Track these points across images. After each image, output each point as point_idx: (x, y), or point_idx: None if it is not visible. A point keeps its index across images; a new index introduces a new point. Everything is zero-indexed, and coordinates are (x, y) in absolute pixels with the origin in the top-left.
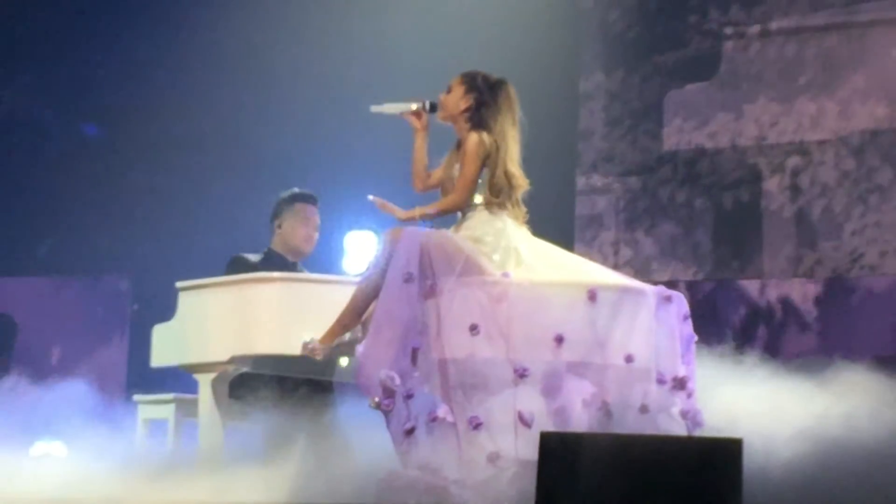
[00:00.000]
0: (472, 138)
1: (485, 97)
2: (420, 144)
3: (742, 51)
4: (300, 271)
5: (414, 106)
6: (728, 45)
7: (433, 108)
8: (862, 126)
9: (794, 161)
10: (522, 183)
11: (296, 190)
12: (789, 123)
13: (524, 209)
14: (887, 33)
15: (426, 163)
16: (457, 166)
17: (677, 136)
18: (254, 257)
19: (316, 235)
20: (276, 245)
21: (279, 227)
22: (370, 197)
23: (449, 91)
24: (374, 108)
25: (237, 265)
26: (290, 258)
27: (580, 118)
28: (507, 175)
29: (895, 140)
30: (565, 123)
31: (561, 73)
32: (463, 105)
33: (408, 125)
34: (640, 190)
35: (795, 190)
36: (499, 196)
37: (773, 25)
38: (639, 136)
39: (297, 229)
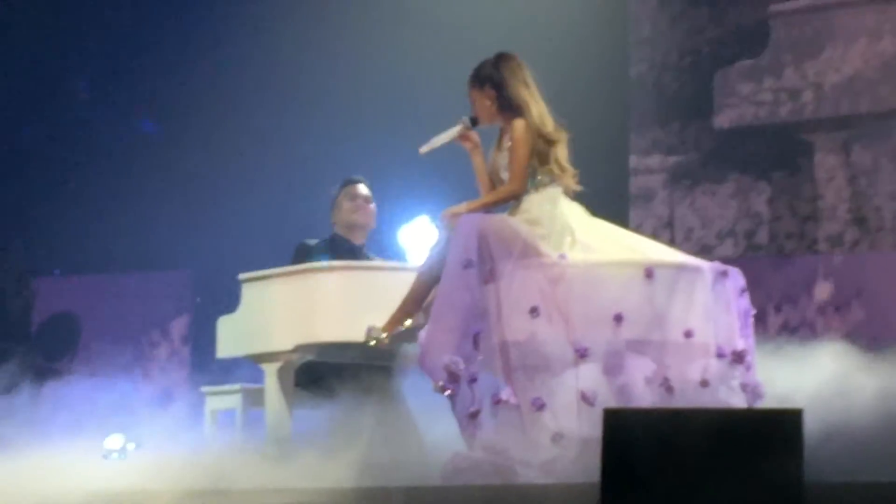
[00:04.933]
0: (517, 125)
1: (496, 79)
2: (479, 162)
3: (790, 26)
4: (367, 255)
5: (457, 129)
6: (776, 21)
7: (474, 122)
8: None
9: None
10: (560, 136)
11: (346, 178)
12: (843, 97)
13: (572, 171)
14: None
15: (489, 177)
16: (500, 157)
17: (728, 112)
18: (319, 241)
19: (367, 205)
20: (339, 230)
21: (334, 215)
22: (421, 149)
23: (472, 101)
24: (424, 149)
25: (303, 251)
26: (354, 240)
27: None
28: (543, 135)
29: None
30: (615, 103)
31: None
32: (488, 102)
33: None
34: (693, 164)
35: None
36: (546, 162)
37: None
38: (690, 116)
39: (343, 206)
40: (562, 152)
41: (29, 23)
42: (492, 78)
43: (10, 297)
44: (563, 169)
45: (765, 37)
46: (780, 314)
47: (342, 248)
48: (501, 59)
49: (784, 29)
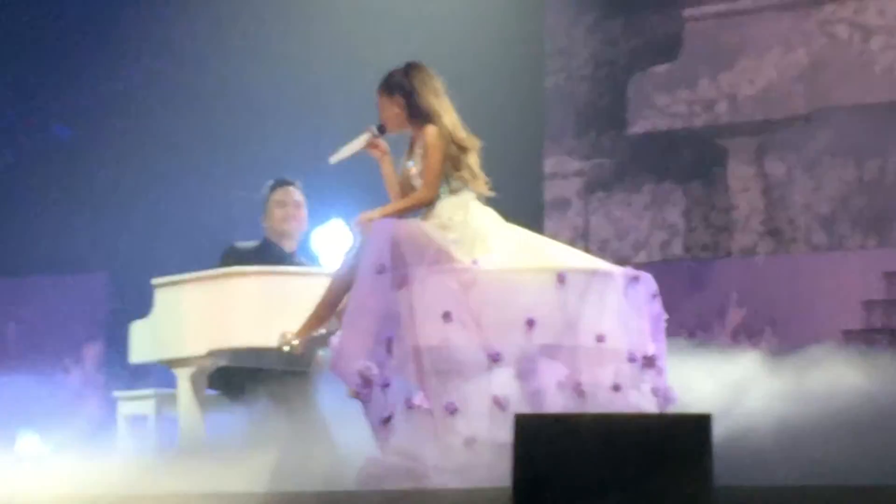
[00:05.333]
0: (430, 131)
1: (405, 87)
2: (388, 170)
3: (702, 31)
4: (298, 261)
5: (365, 137)
6: (689, 26)
7: (381, 129)
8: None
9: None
10: (473, 144)
11: (271, 181)
12: (754, 102)
13: (484, 177)
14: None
15: (399, 184)
16: (411, 164)
17: (643, 118)
18: (248, 245)
19: (298, 213)
20: (268, 234)
21: (265, 218)
22: (331, 159)
23: (381, 109)
24: (334, 159)
25: (232, 255)
26: (285, 247)
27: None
28: (456, 142)
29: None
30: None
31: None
32: (397, 109)
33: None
34: (608, 173)
35: (761, 168)
36: (458, 168)
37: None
38: (605, 120)
39: (274, 213)
40: (474, 159)
41: None
42: (402, 86)
43: None
44: (474, 175)
45: (679, 47)
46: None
47: (272, 256)
48: (411, 67)
49: (698, 39)
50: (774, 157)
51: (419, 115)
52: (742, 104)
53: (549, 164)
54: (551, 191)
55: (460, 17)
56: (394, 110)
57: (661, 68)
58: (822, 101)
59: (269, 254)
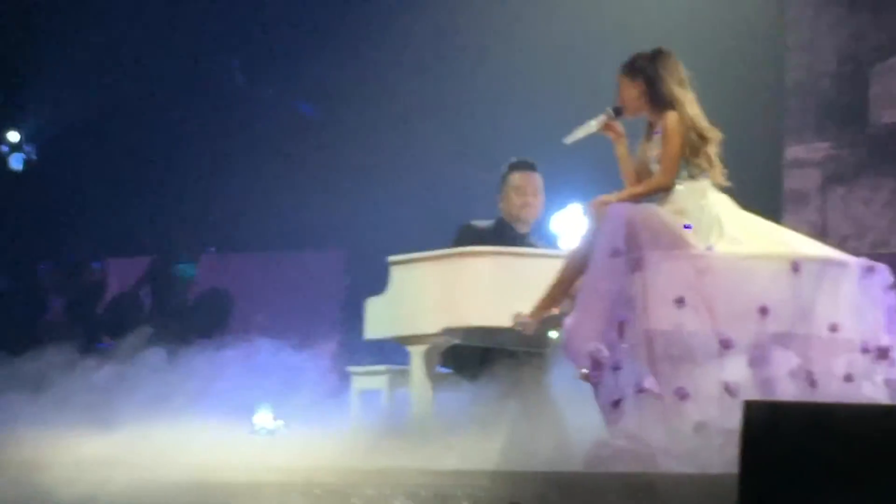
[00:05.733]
0: (671, 117)
1: (649, 73)
2: (622, 152)
3: None
4: (531, 243)
5: (600, 119)
6: None
7: (618, 112)
8: None
9: None
10: (714, 135)
11: (512, 160)
12: None
13: (721, 168)
14: None
15: (633, 167)
16: (650, 148)
17: (886, 113)
18: (484, 224)
19: (535, 200)
20: (504, 215)
21: (501, 201)
22: (566, 140)
23: (621, 89)
24: (568, 139)
25: (467, 233)
26: (518, 228)
27: (787, 100)
28: (698, 131)
29: None
30: (771, 102)
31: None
32: (636, 92)
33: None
34: (848, 168)
35: None
36: (697, 155)
37: None
38: (846, 115)
39: (511, 198)
40: (713, 150)
41: (182, 7)
42: (645, 71)
43: (166, 278)
44: (712, 164)
45: None
46: None
47: (506, 237)
48: (659, 54)
49: None
50: None
51: (660, 101)
52: None
53: (789, 156)
54: (790, 183)
55: (701, 12)
56: (633, 93)
57: None
58: None
59: (503, 234)
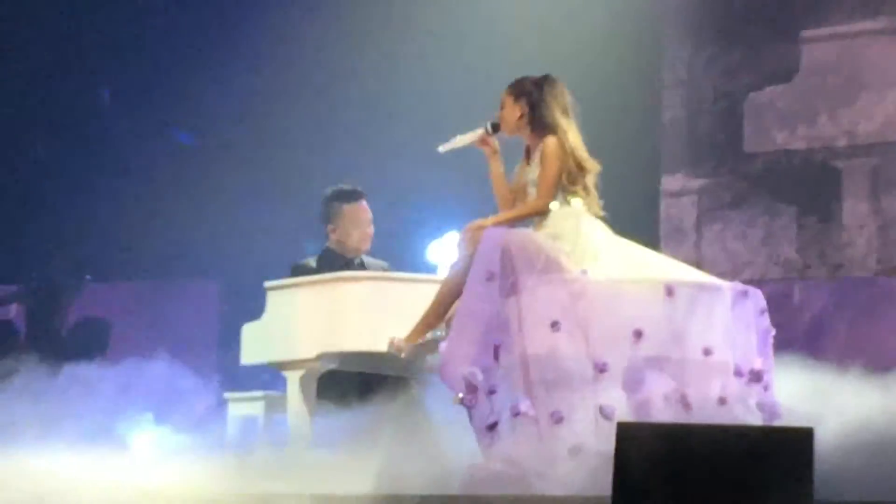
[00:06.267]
0: (550, 142)
1: (534, 97)
2: (497, 170)
3: (822, 52)
4: (362, 266)
5: (478, 133)
6: (808, 47)
7: (496, 128)
8: None
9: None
10: (592, 166)
11: (340, 188)
12: (870, 124)
13: (597, 198)
14: None
15: (507, 184)
16: (528, 171)
17: (758, 137)
18: (311, 261)
19: (371, 229)
20: (333, 245)
21: (332, 231)
22: (441, 148)
23: (503, 107)
24: (443, 147)
25: (298, 272)
26: (349, 255)
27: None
28: (577, 161)
29: None
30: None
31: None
32: (518, 113)
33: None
34: (722, 191)
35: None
36: (575, 184)
37: (851, 28)
38: (715, 130)
39: (350, 233)
40: (591, 180)
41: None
42: (530, 94)
43: (39, 304)
44: (589, 194)
45: (798, 80)
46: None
47: (337, 266)
48: (546, 80)
49: (816, 74)
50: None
51: (541, 126)
52: (860, 137)
53: (666, 188)
54: (667, 218)
55: (583, 46)
56: (515, 114)
57: (779, 100)
58: None
59: (333, 266)
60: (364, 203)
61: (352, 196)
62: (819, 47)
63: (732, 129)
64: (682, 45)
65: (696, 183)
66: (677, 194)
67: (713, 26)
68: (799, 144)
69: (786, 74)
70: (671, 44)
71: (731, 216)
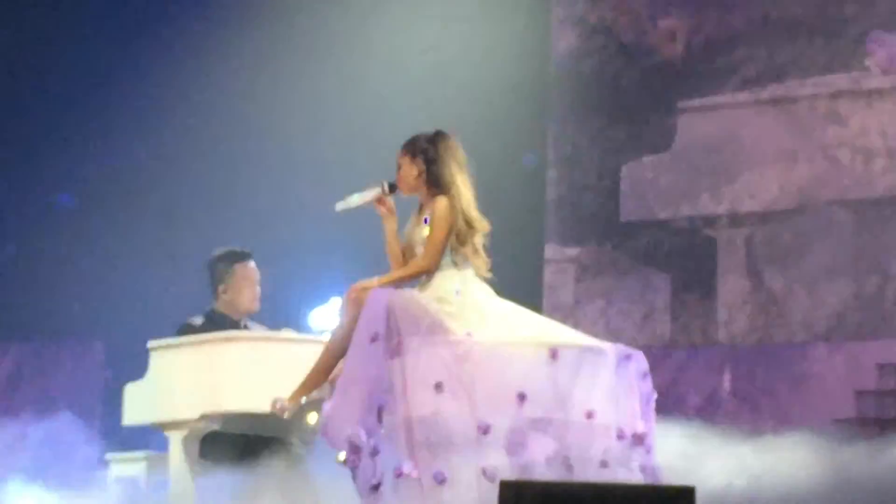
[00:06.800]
0: (441, 202)
1: (429, 154)
2: (391, 228)
3: (696, 123)
4: (247, 328)
5: (375, 192)
6: (683, 118)
7: (392, 188)
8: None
9: (748, 230)
10: (482, 226)
11: (231, 249)
12: (744, 194)
13: (486, 258)
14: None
15: (400, 245)
16: (420, 231)
17: (634, 206)
18: (198, 320)
19: (259, 290)
20: (221, 307)
21: (224, 292)
22: (337, 206)
23: (399, 168)
24: (339, 207)
25: (185, 332)
26: (235, 317)
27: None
28: (467, 220)
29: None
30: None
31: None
32: (414, 172)
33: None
34: (601, 259)
35: (751, 258)
36: (464, 244)
37: (728, 98)
38: (599, 206)
39: (243, 292)
40: (479, 239)
41: None
42: (426, 152)
43: None
44: (477, 254)
45: (682, 159)
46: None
47: (223, 328)
48: (439, 135)
49: (700, 154)
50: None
51: (436, 184)
52: (742, 218)
53: (548, 255)
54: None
55: (466, 121)
56: (413, 172)
57: (661, 176)
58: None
59: (220, 326)
60: (253, 263)
61: (242, 256)
62: (695, 118)
63: (613, 201)
64: (567, 120)
65: (576, 252)
66: (559, 262)
67: (597, 103)
68: (677, 215)
69: (665, 146)
70: (555, 120)
71: (612, 289)
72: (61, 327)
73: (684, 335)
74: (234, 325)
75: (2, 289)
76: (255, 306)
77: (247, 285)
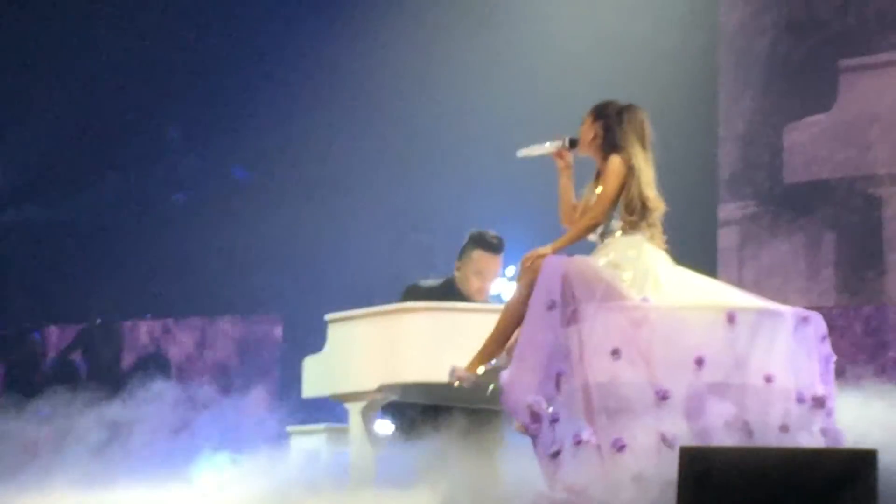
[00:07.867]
0: (613, 160)
1: (611, 122)
2: (565, 183)
3: (859, 82)
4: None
5: (556, 144)
6: (846, 77)
7: (573, 143)
8: None
9: None
10: (658, 206)
11: (484, 235)
12: None
13: (661, 232)
14: None
15: (573, 201)
16: (594, 192)
17: (799, 167)
18: (431, 283)
19: (491, 285)
20: (458, 283)
21: (458, 269)
22: (519, 153)
23: (583, 126)
24: (521, 153)
25: (413, 292)
26: (466, 294)
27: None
28: (642, 197)
29: None
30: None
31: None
32: (591, 134)
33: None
34: (770, 219)
35: None
36: (633, 215)
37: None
38: (767, 168)
39: (470, 279)
40: (655, 217)
41: (124, 72)
42: (608, 118)
43: (100, 343)
44: (653, 227)
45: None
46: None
47: (453, 299)
48: (627, 108)
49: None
50: None
51: (611, 148)
52: None
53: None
54: (722, 243)
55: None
56: (590, 135)
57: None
58: None
59: (452, 297)
60: (498, 257)
61: (488, 246)
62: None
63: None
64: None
65: (740, 208)
66: (729, 224)
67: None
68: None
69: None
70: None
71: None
72: (241, 303)
73: (850, 296)
74: (464, 299)
75: (182, 266)
76: (479, 297)
77: (476, 276)
